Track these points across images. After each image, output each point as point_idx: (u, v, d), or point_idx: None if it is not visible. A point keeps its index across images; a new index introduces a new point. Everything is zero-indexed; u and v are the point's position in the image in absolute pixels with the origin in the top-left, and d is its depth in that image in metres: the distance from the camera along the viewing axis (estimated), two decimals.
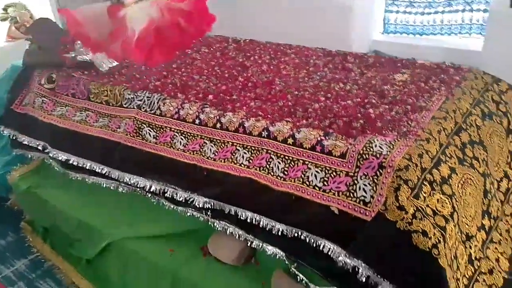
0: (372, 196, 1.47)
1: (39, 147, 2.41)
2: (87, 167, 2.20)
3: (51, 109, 2.42)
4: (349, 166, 1.53)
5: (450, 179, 1.52)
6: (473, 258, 1.53)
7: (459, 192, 1.52)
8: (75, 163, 2.24)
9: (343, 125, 1.67)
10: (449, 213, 1.44)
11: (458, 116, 1.75)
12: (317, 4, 4.12)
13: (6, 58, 2.99)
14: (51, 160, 2.40)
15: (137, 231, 2.04)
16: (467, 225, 1.53)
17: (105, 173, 2.14)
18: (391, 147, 1.51)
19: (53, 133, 2.35)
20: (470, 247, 1.52)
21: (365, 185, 1.49)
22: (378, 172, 1.47)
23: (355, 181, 1.51)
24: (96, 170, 2.17)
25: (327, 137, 1.62)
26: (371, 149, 1.51)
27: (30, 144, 2.46)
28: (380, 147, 1.52)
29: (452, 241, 1.42)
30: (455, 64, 2.10)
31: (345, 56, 2.32)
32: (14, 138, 2.53)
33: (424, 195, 1.43)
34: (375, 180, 1.47)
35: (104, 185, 2.17)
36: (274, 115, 1.81)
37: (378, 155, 1.49)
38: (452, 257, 1.41)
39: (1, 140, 2.65)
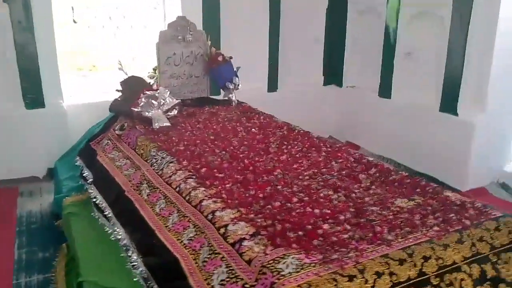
0: None
1: (88, 181, 2.72)
2: (102, 208, 2.38)
3: (109, 151, 2.74)
4: (250, 276, 1.31)
5: None
6: None
7: None
8: (97, 201, 2.45)
9: (280, 230, 1.46)
10: None
11: (430, 266, 1.32)
12: (435, 115, 3.74)
13: None
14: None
15: (102, 280, 2.07)
16: None
17: (109, 217, 2.27)
18: (300, 269, 1.24)
19: (98, 171, 2.64)
20: None
21: None
22: None
23: None
24: (105, 212, 2.32)
25: (252, 237, 1.43)
26: (277, 264, 1.27)
27: (86, 177, 2.79)
28: (288, 264, 1.26)
29: None
30: (489, 206, 1.62)
31: (370, 166, 2.03)
32: (81, 169, 2.92)
33: None
34: None
35: (106, 229, 2.30)
36: (235, 201, 1.69)
37: (276, 273, 1.24)
38: None
39: (77, 170, 3.08)
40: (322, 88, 5.11)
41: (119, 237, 2.06)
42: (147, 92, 2.75)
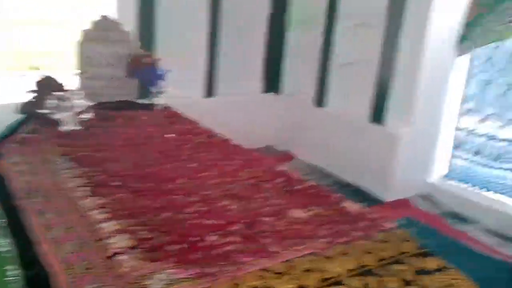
0: None
1: None
2: None
3: (11, 155, 2.53)
4: None
5: None
6: None
7: None
8: None
9: (161, 243, 1.36)
10: None
11: (310, 279, 1.26)
12: (365, 126, 3.79)
13: None
14: None
15: None
16: None
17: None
18: (169, 285, 1.15)
19: None
20: None
21: None
22: None
23: None
24: None
25: (130, 251, 1.32)
26: (147, 280, 1.17)
27: None
28: (158, 280, 1.17)
29: None
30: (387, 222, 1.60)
31: (278, 176, 1.97)
32: None
33: None
34: None
35: None
36: (124, 211, 1.57)
37: None
38: None
39: None
40: (260, 95, 5.08)
41: (2, 249, 1.89)
42: (56, 93, 2.57)
